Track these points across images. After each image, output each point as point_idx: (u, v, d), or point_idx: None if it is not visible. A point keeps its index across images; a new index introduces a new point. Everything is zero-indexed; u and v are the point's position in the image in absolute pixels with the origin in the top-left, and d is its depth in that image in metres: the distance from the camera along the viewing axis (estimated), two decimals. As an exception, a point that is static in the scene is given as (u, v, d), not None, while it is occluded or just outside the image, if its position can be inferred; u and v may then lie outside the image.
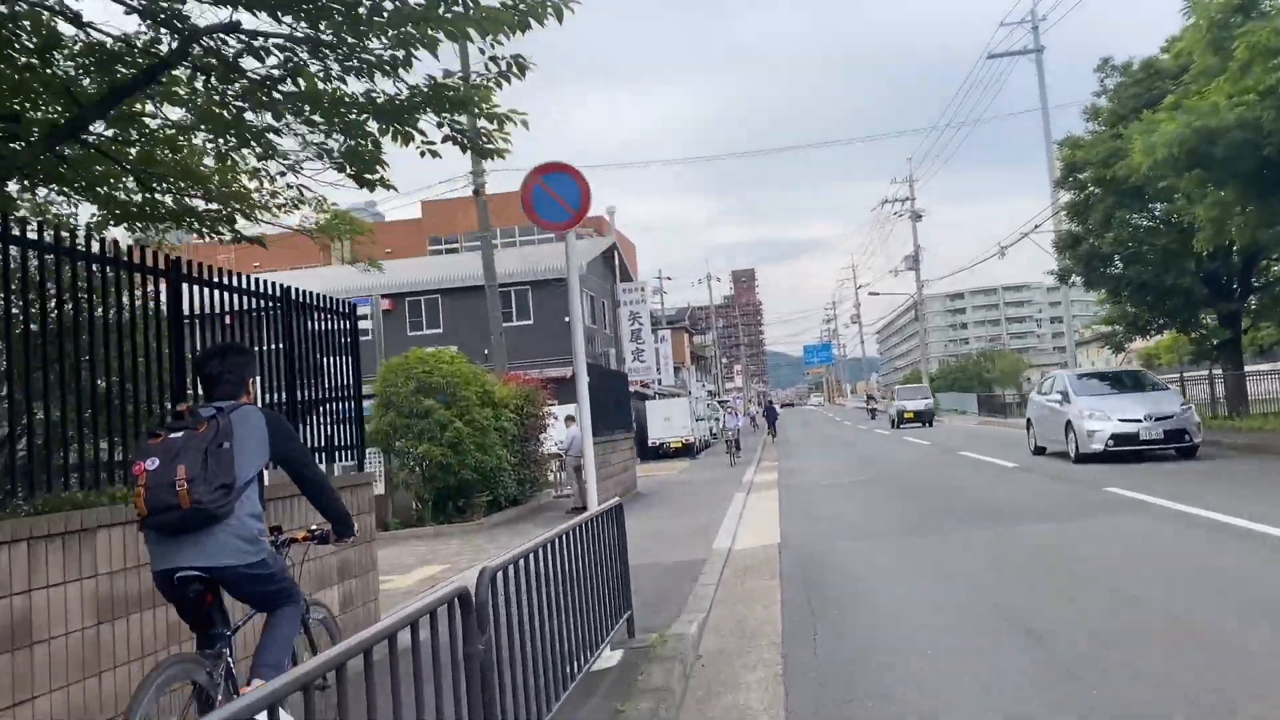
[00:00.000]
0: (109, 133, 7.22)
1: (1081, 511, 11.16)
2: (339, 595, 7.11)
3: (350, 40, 6.02)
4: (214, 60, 6.19)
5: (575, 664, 4.89)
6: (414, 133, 6.92)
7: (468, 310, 34.19)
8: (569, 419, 18.00)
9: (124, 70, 6.43)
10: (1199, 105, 15.02)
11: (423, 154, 7.19)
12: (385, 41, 6.07)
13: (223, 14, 5.96)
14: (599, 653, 5.53)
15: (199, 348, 5.65)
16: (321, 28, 5.87)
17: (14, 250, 4.56)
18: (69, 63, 6.67)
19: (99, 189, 7.53)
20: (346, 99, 6.61)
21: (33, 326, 4.71)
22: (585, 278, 35.53)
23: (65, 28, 6.43)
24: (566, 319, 33.39)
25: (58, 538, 4.35)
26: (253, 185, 8.25)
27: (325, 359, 7.76)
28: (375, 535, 8.16)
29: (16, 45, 6.26)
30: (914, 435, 33.83)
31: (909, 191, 58.55)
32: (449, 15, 5.78)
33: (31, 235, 4.66)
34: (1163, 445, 16.29)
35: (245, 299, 6.50)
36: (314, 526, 4.36)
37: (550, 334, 33.50)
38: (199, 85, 6.75)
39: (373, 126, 6.86)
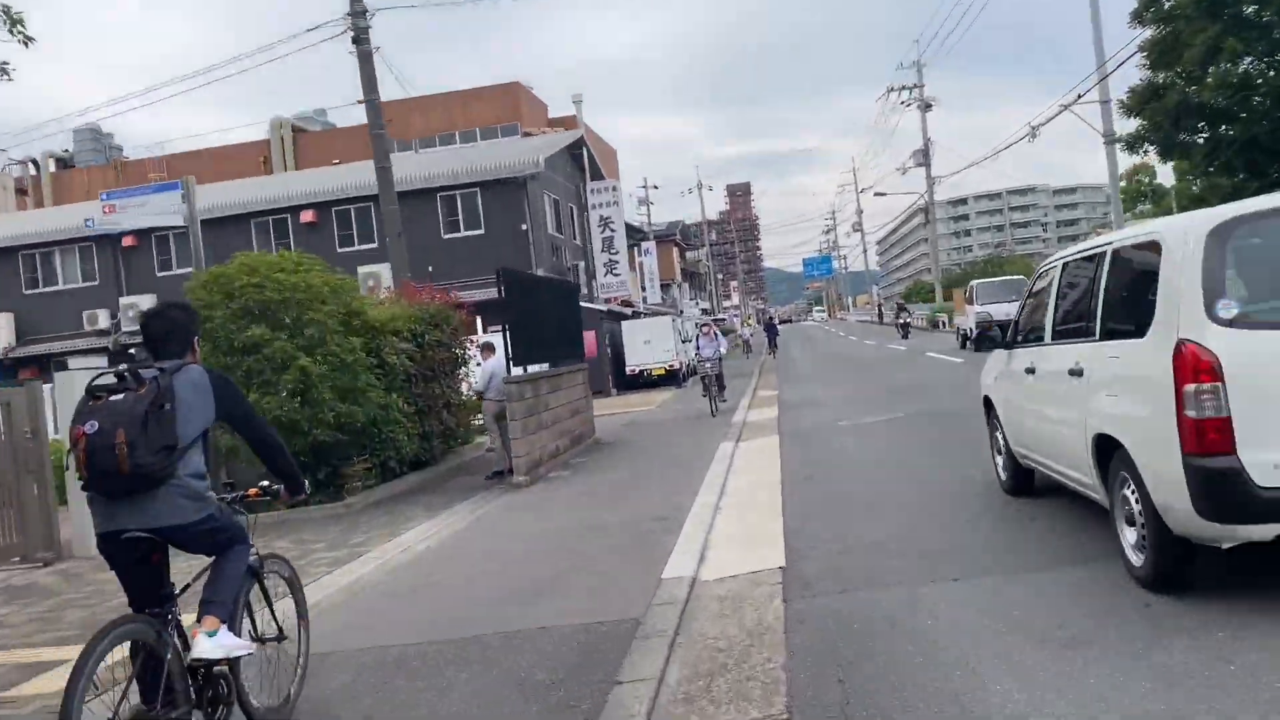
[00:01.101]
0: None
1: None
2: None
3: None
4: None
5: None
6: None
7: (411, 219, 28.89)
8: (485, 347, 12.95)
9: None
10: None
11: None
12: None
13: None
14: None
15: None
16: None
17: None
18: None
19: None
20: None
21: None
22: (546, 177, 30.14)
23: None
24: (525, 226, 28.08)
25: None
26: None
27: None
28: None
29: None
30: (939, 349, 28.69)
31: (917, 77, 52.45)
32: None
33: None
34: None
35: None
36: (265, 483, 4.13)
37: (506, 245, 28.25)
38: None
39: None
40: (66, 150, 52.67)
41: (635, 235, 52.74)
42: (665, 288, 61.48)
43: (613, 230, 29.90)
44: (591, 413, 16.18)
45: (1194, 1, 15.09)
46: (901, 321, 45.32)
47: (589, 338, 28.09)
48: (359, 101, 14.73)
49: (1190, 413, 4.03)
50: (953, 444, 10.00)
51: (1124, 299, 4.98)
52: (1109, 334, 5.01)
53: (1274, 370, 3.97)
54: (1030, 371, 6.30)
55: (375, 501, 11.38)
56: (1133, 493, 4.58)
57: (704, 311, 74.92)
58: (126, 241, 29.71)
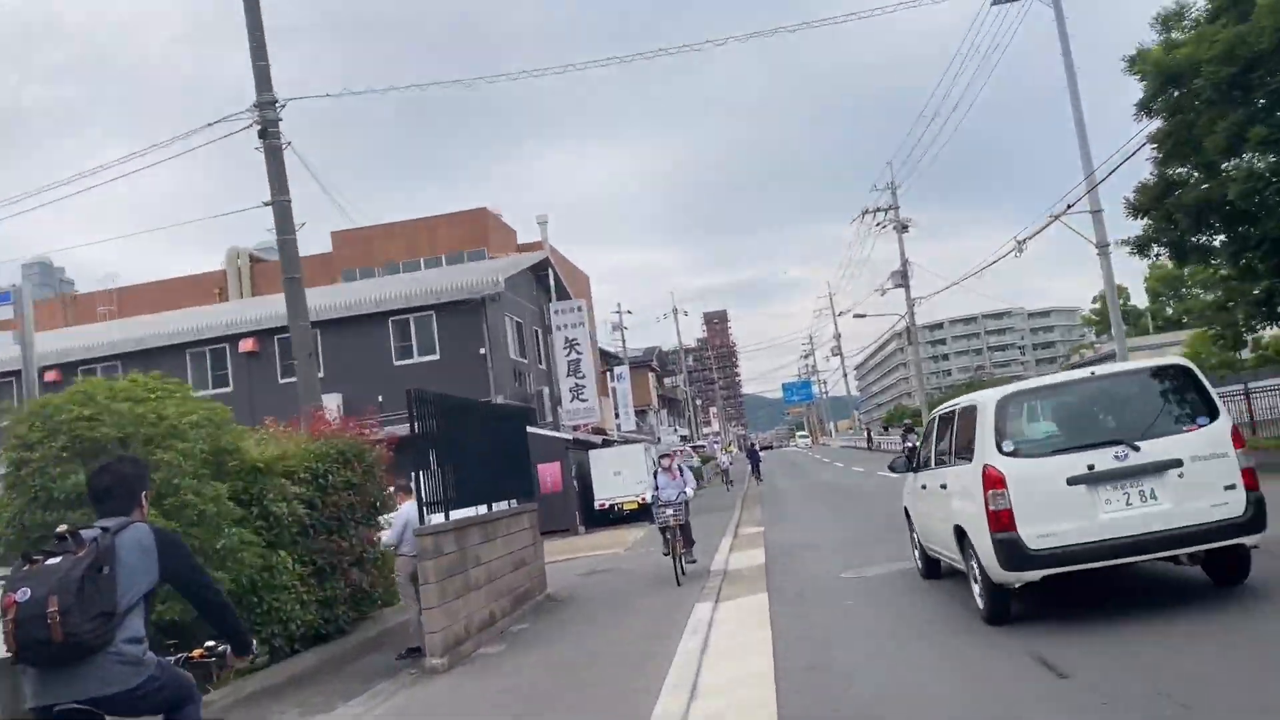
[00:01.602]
0: None
1: None
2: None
3: None
4: None
5: None
6: None
7: (361, 346, 26.72)
8: (402, 490, 10.47)
9: None
10: None
11: None
12: None
13: None
14: None
15: None
16: None
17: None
18: None
19: None
20: None
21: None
22: (508, 300, 28.22)
23: None
24: (483, 350, 25.94)
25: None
26: None
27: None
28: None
29: None
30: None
31: (891, 199, 51.85)
32: None
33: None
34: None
35: None
36: (211, 643, 3.99)
37: (463, 371, 26.04)
38: None
39: None
40: (14, 285, 50.69)
41: (609, 361, 50.86)
42: (641, 415, 59.25)
43: (579, 352, 27.81)
44: (542, 562, 13.59)
45: (1213, 85, 13.47)
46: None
47: (552, 470, 25.57)
48: (265, 204, 12.65)
49: (991, 507, 6.90)
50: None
51: (964, 440, 7.72)
52: (957, 461, 7.92)
53: (1033, 480, 6.87)
54: (924, 487, 9.19)
55: (246, 696, 8.67)
56: (974, 561, 7.34)
57: (683, 439, 72.41)
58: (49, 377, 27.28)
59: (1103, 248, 26.50)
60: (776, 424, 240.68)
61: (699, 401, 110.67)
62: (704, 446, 69.85)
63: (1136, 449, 6.74)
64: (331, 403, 24.76)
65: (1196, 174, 15.53)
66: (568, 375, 27.86)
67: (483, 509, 11.21)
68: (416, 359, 26.46)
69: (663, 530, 13.00)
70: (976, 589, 7.42)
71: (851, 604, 9.17)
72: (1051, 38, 25.54)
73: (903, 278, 51.09)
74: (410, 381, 26.06)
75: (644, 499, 26.06)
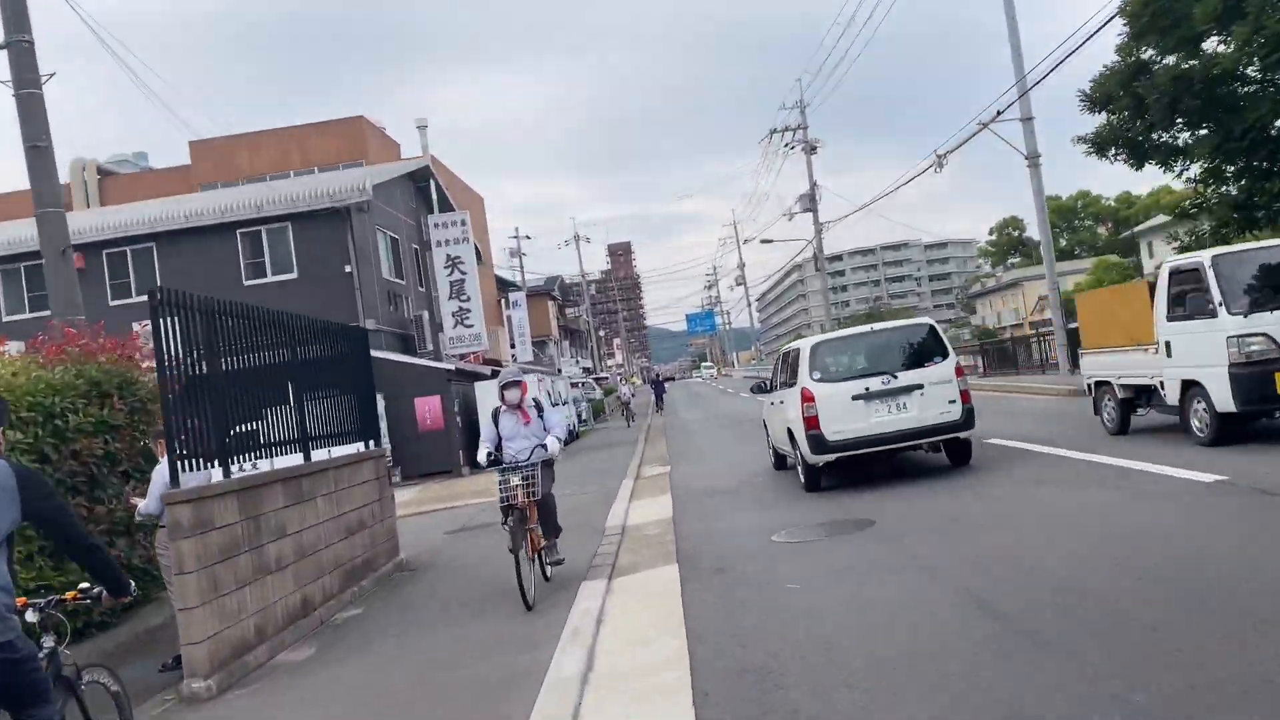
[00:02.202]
0: None
1: None
2: None
3: None
4: None
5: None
6: None
7: (204, 264, 23.00)
8: (158, 436, 7.46)
9: None
10: None
11: None
12: None
13: None
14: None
15: None
16: None
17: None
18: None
19: None
20: None
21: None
22: (381, 212, 24.78)
23: None
24: (348, 268, 22.60)
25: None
26: None
27: None
28: None
29: None
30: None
31: (800, 118, 49.40)
32: None
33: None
34: None
35: None
36: (85, 584, 3.82)
37: (325, 291, 22.68)
38: None
39: None
40: None
41: (505, 288, 47.56)
42: (540, 345, 56.26)
43: (463, 272, 24.53)
44: (393, 520, 10.77)
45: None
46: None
47: (432, 405, 22.61)
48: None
49: (805, 414, 10.40)
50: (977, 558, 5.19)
51: (791, 372, 11.59)
52: (785, 386, 11.76)
53: (831, 397, 10.37)
54: (771, 404, 13.09)
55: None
56: (796, 450, 11.04)
57: (585, 370, 69.81)
58: None
59: (1033, 159, 24.54)
60: (680, 356, 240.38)
61: (602, 333, 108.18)
62: (606, 378, 67.47)
63: (895, 377, 10.43)
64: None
65: (1174, 57, 13.30)
66: (450, 298, 24.60)
67: (296, 458, 8.32)
68: (270, 278, 22.94)
69: (505, 510, 7.48)
70: (800, 470, 11.20)
71: (787, 586, 6.68)
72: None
73: (811, 200, 48.96)
74: (262, 303, 22.55)
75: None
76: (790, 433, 11.24)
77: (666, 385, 50.90)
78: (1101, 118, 15.21)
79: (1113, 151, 15.28)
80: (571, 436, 30.16)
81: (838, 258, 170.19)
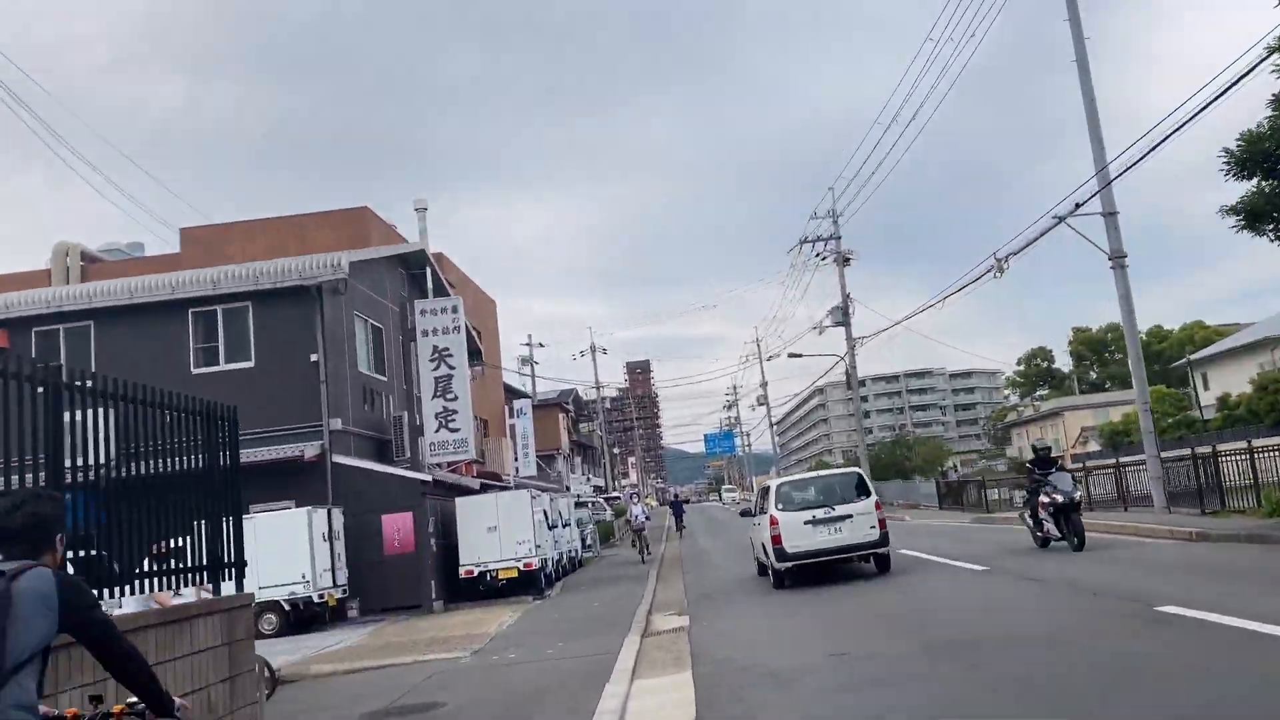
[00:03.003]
0: None
1: None
2: None
3: None
4: None
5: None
6: None
7: (149, 347, 19.68)
8: None
9: None
10: None
11: None
12: None
13: None
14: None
15: None
16: None
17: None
18: None
19: None
20: None
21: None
22: (362, 298, 21.58)
23: None
24: (315, 357, 19.24)
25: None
26: None
27: None
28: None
29: None
30: (923, 547, 20.17)
31: (833, 228, 46.67)
32: None
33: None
34: None
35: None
36: (133, 699, 3.49)
37: (288, 385, 19.26)
38: None
39: None
40: None
41: (512, 396, 44.18)
42: (549, 460, 52.43)
43: (451, 367, 20.95)
44: (256, 708, 6.90)
45: None
46: None
47: (402, 523, 18.81)
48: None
49: (772, 533, 14.90)
50: None
51: (764, 502, 16.08)
52: (761, 512, 16.26)
53: (789, 521, 14.92)
54: (754, 525, 17.39)
55: None
56: (768, 559, 15.32)
57: (596, 489, 65.40)
58: None
59: (1118, 258, 21.16)
60: (696, 479, 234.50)
61: (617, 450, 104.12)
62: (618, 498, 63.17)
63: (833, 509, 14.76)
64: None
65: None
66: (434, 396, 20.99)
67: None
68: (224, 365, 19.53)
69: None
70: (770, 573, 15.59)
71: None
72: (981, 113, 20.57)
73: (843, 315, 45.70)
74: (212, 394, 18.94)
75: (528, 564, 19.47)
76: (764, 547, 15.67)
77: (685, 507, 47.06)
78: (1253, 183, 11.92)
79: (1271, 227, 11.92)
80: (573, 565, 26.10)
81: (861, 383, 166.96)
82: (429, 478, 19.21)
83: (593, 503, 42.61)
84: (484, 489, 21.93)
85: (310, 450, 18.51)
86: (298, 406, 19.17)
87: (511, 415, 38.00)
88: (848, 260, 46.65)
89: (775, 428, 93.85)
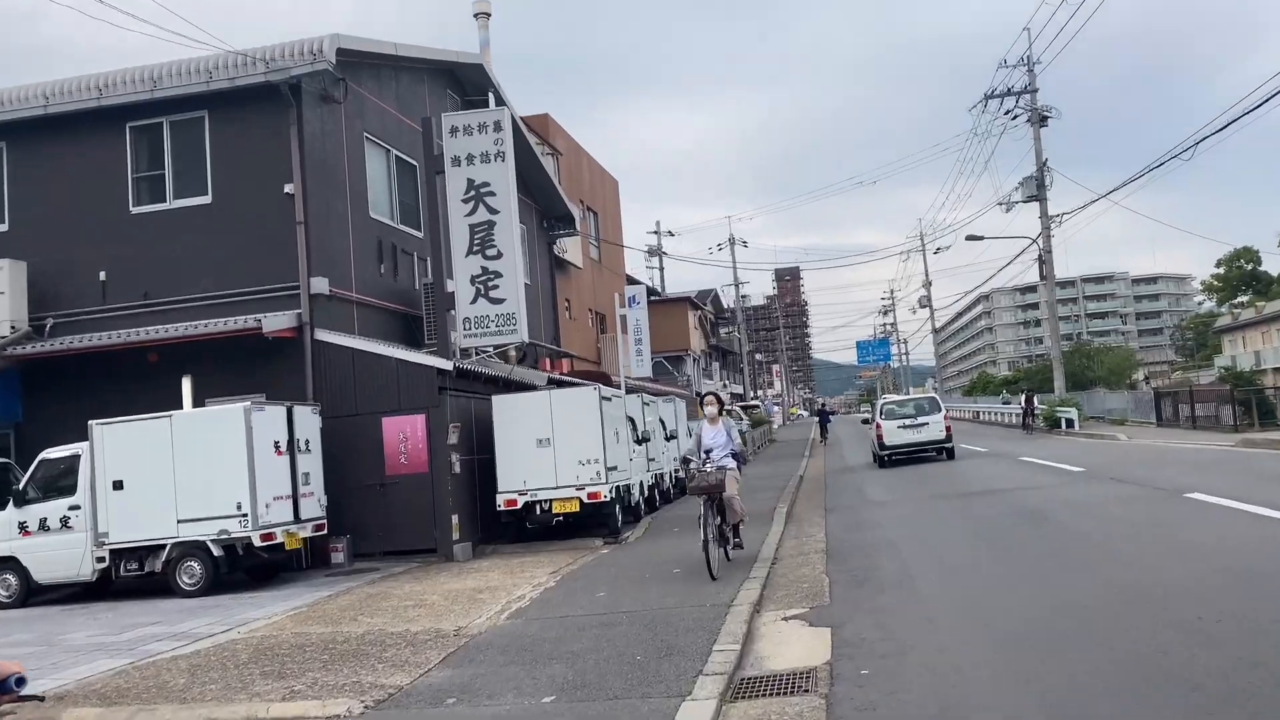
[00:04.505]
0: None
1: None
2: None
3: None
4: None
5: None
6: None
7: (73, 177, 14.30)
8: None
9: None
10: None
11: None
12: None
13: None
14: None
15: None
16: None
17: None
18: None
19: None
20: None
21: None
22: (378, 113, 15.46)
23: None
24: (289, 188, 13.24)
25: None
26: None
27: None
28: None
29: None
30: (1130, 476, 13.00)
31: (1028, 78, 37.38)
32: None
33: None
34: None
35: None
36: None
37: (261, 227, 13.49)
38: None
39: None
40: None
41: (632, 285, 37.94)
42: (675, 361, 46.29)
43: (493, 211, 14.24)
44: None
45: None
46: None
47: (410, 428, 12.94)
48: None
49: (877, 433, 24.14)
50: None
51: (873, 414, 32.04)
52: (872, 422, 28.51)
53: (888, 425, 24.00)
54: (870, 428, 29.74)
55: None
56: (875, 449, 25.03)
57: (735, 396, 59.08)
58: None
59: None
60: (845, 390, 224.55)
61: (760, 356, 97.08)
62: (758, 406, 56.65)
63: (916, 419, 23.10)
64: (4, 271, 12.62)
65: None
66: (470, 252, 14.28)
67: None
68: (172, 202, 13.87)
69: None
70: (875, 459, 24.37)
71: None
72: None
73: (1038, 185, 36.87)
74: (157, 241, 12.61)
75: (595, 493, 13.25)
76: (875, 440, 24.15)
77: (831, 418, 40.57)
78: None
79: None
80: (656, 499, 19.73)
81: (1031, 289, 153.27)
82: (448, 365, 13.07)
83: (729, 410, 36.40)
84: (550, 384, 15.78)
85: (275, 322, 12.67)
86: (274, 259, 13.39)
87: (622, 305, 31.81)
88: (1044, 119, 37.27)
89: (934, 337, 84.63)
